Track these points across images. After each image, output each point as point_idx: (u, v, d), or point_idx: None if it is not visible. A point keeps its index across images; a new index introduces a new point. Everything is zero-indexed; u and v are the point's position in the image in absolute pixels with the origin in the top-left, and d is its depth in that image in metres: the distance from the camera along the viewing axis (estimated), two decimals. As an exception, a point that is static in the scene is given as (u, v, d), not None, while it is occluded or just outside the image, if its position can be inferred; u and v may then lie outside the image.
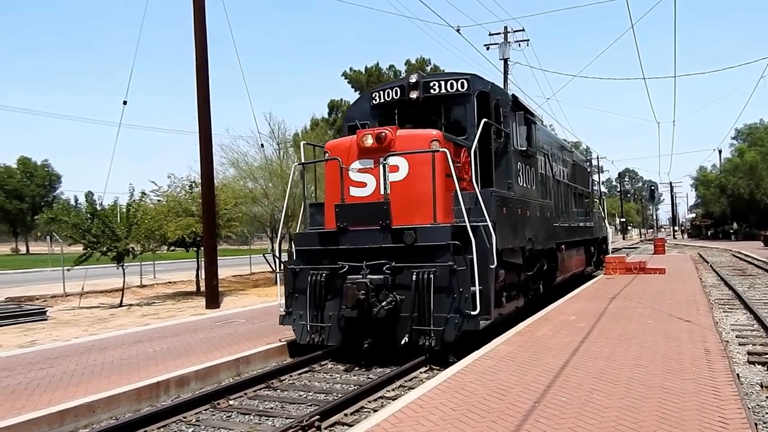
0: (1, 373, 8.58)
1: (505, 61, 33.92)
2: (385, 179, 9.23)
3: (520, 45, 34.73)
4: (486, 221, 9.07)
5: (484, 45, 34.76)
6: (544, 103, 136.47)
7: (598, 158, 31.76)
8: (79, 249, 19.53)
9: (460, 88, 11.02)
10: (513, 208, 10.53)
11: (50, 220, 19.56)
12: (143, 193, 20.28)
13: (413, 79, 11.19)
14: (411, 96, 11.15)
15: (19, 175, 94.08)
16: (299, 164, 9.86)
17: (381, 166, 9.27)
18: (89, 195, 21.23)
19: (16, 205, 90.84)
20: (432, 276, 8.73)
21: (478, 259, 8.73)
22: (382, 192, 9.51)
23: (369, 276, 8.98)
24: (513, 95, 11.21)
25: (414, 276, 8.80)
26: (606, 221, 27.17)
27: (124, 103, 18.98)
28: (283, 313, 9.94)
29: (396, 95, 11.46)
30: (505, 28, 34.53)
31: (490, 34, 34.96)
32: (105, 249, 18.41)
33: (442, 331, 8.64)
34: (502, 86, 34.19)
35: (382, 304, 8.78)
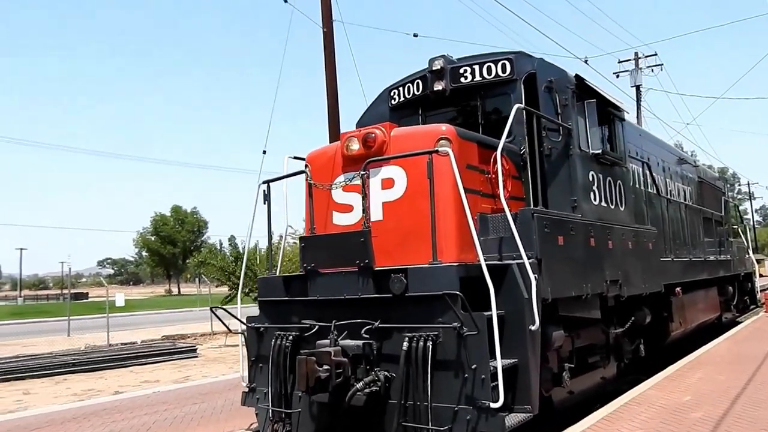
0: (162, 406, 9.93)
1: (637, 88, 32.15)
2: (364, 198, 6.30)
3: (653, 70, 33.23)
4: (522, 257, 5.87)
5: (614, 73, 33.28)
6: (683, 128, 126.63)
7: (749, 184, 26.60)
8: (224, 290, 21.54)
9: (500, 72, 7.93)
10: (579, 237, 7.16)
11: (199, 264, 22.24)
12: (281, 237, 19.75)
13: (437, 65, 8.22)
14: (435, 88, 8.19)
15: (172, 222, 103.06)
16: (263, 183, 7.16)
17: (365, 179, 6.37)
18: (232, 239, 22.60)
19: (170, 249, 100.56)
20: (430, 344, 5.63)
21: (507, 317, 5.59)
22: (373, 218, 6.61)
23: (343, 342, 6.04)
24: (577, 76, 7.90)
25: (405, 343, 5.74)
26: (751, 253, 21.97)
27: (264, 152, 18.04)
28: (246, 389, 7.17)
29: (417, 90, 8.55)
30: (636, 54, 32.83)
31: (620, 62, 33.27)
32: (247, 290, 18.89)
33: (445, 432, 5.49)
34: (635, 116, 30.96)
35: (358, 386, 5.78)
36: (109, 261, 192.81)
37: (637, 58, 32.98)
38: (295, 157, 7.76)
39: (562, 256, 6.73)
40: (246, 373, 7.15)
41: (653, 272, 9.64)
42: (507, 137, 7.61)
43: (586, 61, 24.11)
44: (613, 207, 8.54)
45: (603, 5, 48.69)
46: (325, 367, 5.72)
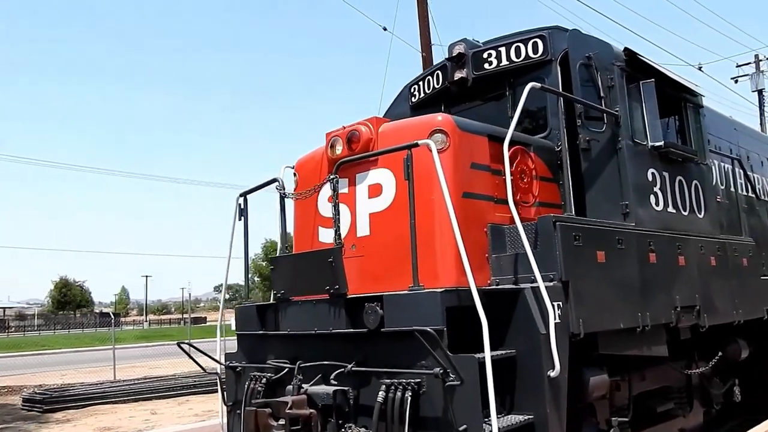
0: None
1: (759, 92, 30.63)
2: (336, 211, 5.08)
3: (776, 71, 30.82)
4: (537, 279, 4.46)
5: (732, 79, 31.42)
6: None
7: None
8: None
9: (531, 53, 6.51)
10: (631, 252, 5.58)
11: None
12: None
13: (457, 50, 6.90)
14: (456, 77, 6.88)
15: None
16: (240, 195, 6.09)
17: (336, 186, 5.16)
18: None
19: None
20: (408, 395, 4.30)
21: (519, 360, 4.29)
22: (359, 233, 5.42)
23: (313, 388, 4.83)
24: (627, 50, 6.31)
25: (381, 393, 4.45)
26: None
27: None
28: (225, 439, 6.09)
29: (438, 82, 7.25)
30: (756, 56, 31.05)
31: (738, 66, 31.40)
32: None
33: None
34: (758, 122, 27.82)
35: (326, 447, 4.55)
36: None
37: (757, 61, 30.99)
38: (290, 167, 6.67)
39: (604, 276, 5.18)
40: (225, 420, 6.05)
41: (750, 295, 7.69)
42: (545, 134, 6.26)
43: (700, 68, 23.54)
44: (686, 213, 6.79)
45: (716, 6, 44.89)
46: (280, 422, 4.52)
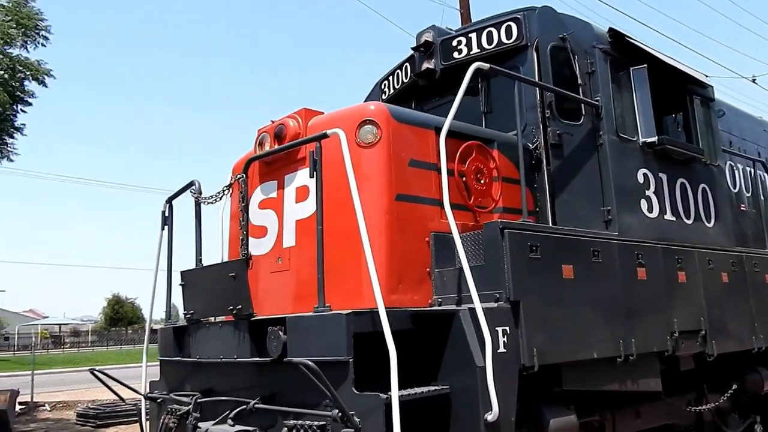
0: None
1: None
2: (243, 217, 4.35)
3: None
4: (473, 299, 3.63)
5: None
6: None
7: None
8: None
9: (504, 39, 5.67)
10: (610, 266, 4.66)
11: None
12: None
13: (424, 38, 6.12)
14: (423, 68, 6.09)
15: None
16: (167, 201, 5.39)
17: (243, 187, 4.43)
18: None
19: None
20: (309, 442, 3.50)
21: (453, 399, 3.49)
22: (285, 243, 4.68)
23: (216, 427, 4.07)
24: (613, 31, 5.43)
25: (282, 438, 3.66)
26: None
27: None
28: (149, 479, 5.35)
29: (406, 76, 6.47)
30: None
31: None
32: None
33: None
34: None
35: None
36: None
37: (816, 69, 29.28)
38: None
39: (572, 296, 4.29)
40: (147, 457, 5.32)
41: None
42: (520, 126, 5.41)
43: (753, 80, 21.62)
44: (690, 221, 5.81)
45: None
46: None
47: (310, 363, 3.16)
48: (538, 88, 5.13)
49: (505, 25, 5.67)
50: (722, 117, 7.97)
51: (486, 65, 4.41)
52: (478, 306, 3.60)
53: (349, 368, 3.43)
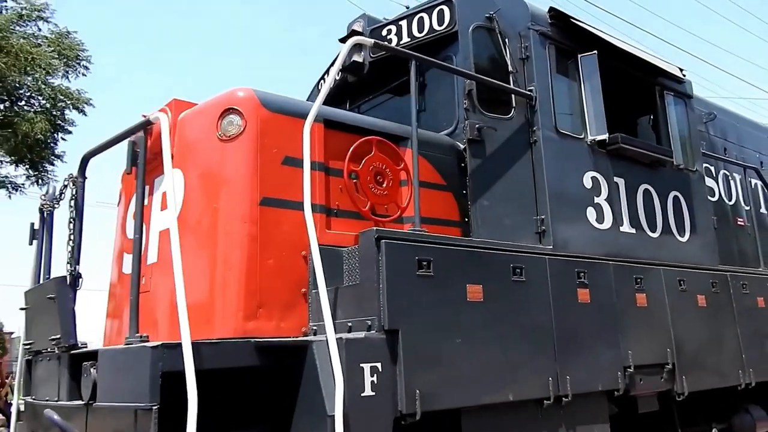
0: None
1: None
2: (71, 228, 3.67)
3: None
4: (326, 329, 2.85)
5: None
6: None
7: None
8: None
9: (436, 26, 4.92)
10: (536, 288, 3.84)
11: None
12: None
13: (353, 27, 5.43)
14: (352, 59, 5.39)
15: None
16: (40, 209, 4.71)
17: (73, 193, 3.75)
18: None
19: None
20: None
21: None
22: (149, 259, 3.97)
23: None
24: (553, 9, 4.64)
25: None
26: None
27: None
28: None
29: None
30: None
31: None
32: None
33: None
34: None
35: None
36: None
37: None
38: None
39: (479, 323, 3.47)
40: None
41: (770, 347, 5.66)
42: (451, 131, 4.67)
43: None
44: (656, 234, 4.94)
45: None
46: None
47: (54, 417, 2.41)
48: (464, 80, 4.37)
49: (437, 9, 4.93)
50: (714, 121, 7.11)
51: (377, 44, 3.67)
52: (330, 336, 2.82)
53: (151, 419, 2.66)
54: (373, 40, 3.82)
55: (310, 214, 3.13)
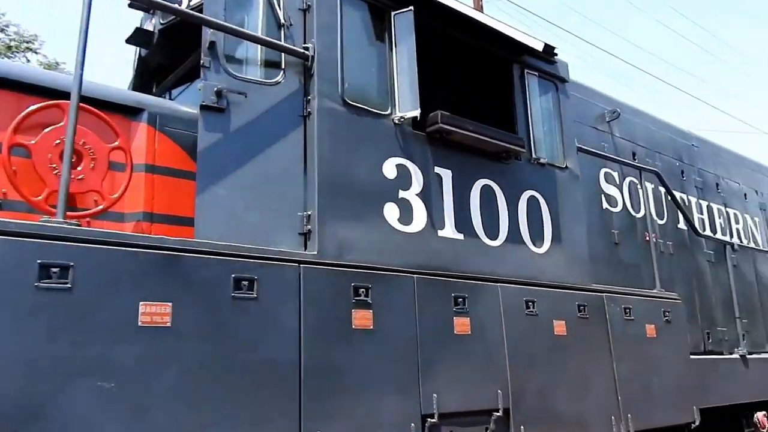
0: None
1: None
2: None
3: None
4: None
5: None
6: None
7: None
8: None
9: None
10: (277, 306, 2.75)
11: None
12: None
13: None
14: (134, 30, 4.38)
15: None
16: None
17: None
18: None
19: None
20: None
21: None
22: None
23: None
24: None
25: None
26: None
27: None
28: None
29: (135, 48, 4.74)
30: None
31: None
32: None
33: None
34: None
35: None
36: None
37: None
38: None
39: (146, 361, 2.39)
40: None
41: (661, 387, 4.60)
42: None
43: None
44: (497, 243, 3.89)
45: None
46: None
47: None
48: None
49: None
50: (618, 120, 6.18)
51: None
52: None
53: None
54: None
55: None
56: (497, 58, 4.30)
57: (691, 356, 5.04)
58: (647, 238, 5.98)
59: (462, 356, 3.38)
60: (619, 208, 5.90)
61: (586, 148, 4.87)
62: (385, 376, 3.03)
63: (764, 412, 5.60)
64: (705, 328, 6.25)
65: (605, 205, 5.72)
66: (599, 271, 5.25)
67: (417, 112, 3.48)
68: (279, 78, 3.24)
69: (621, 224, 5.78)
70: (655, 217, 6.22)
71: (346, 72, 3.37)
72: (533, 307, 3.82)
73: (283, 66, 3.26)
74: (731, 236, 7.24)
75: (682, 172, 6.87)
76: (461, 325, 3.41)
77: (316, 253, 2.99)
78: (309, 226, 3.06)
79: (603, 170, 5.79)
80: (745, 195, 7.84)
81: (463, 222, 3.69)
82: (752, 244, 7.55)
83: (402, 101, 3.52)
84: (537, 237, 4.10)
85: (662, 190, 6.11)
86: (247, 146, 3.06)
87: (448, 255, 3.55)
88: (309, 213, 3.08)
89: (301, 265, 2.88)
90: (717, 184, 7.38)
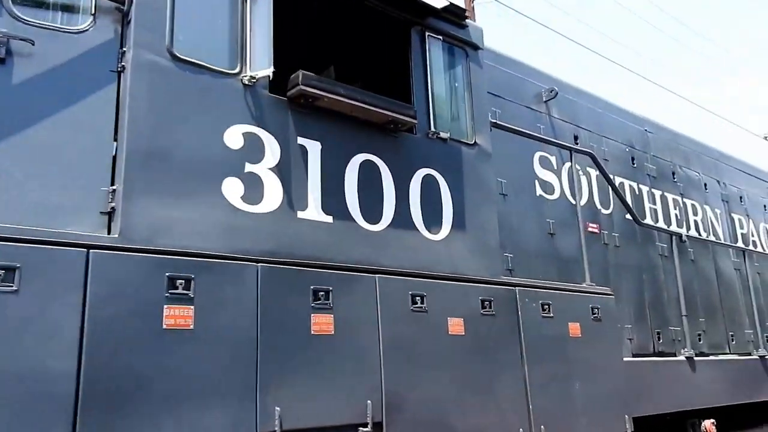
0: None
1: None
2: None
3: None
4: None
5: None
6: None
7: None
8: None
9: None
10: (48, 305, 2.17)
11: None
12: None
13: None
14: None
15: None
16: None
17: None
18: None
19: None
20: None
21: None
22: None
23: None
24: None
25: None
26: None
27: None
28: None
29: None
30: None
31: None
32: None
33: None
34: None
35: None
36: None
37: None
38: None
39: None
40: None
41: (586, 395, 4.05)
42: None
43: (766, 138, 21.32)
44: (378, 228, 3.33)
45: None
46: None
47: None
48: None
49: None
50: (556, 99, 5.68)
51: None
52: None
53: None
54: None
55: None
56: (393, 20, 3.75)
57: (626, 359, 4.51)
58: (589, 229, 5.48)
59: (320, 361, 2.82)
60: (557, 195, 5.38)
61: (502, 123, 4.31)
62: (207, 385, 2.47)
63: (712, 420, 5.07)
64: (655, 328, 5.75)
65: (539, 191, 5.20)
66: (529, 264, 4.76)
67: (269, 71, 2.92)
68: (85, 26, 2.66)
69: (558, 213, 5.26)
70: (598, 206, 5.71)
71: (178, 21, 2.80)
72: (423, 303, 3.27)
73: (92, 11, 2.69)
74: (688, 228, 6.73)
75: (633, 159, 6.37)
76: (322, 323, 2.86)
77: (117, 236, 2.42)
78: (113, 204, 2.49)
79: (538, 153, 5.27)
80: (705, 185, 7.34)
81: (333, 203, 3.13)
82: (712, 237, 7.04)
83: (255, 59, 2.96)
84: (433, 222, 3.55)
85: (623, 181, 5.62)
86: (35, 106, 2.49)
87: (311, 241, 2.99)
88: (114, 188, 2.51)
89: (91, 251, 2.31)
90: (673, 173, 6.87)
